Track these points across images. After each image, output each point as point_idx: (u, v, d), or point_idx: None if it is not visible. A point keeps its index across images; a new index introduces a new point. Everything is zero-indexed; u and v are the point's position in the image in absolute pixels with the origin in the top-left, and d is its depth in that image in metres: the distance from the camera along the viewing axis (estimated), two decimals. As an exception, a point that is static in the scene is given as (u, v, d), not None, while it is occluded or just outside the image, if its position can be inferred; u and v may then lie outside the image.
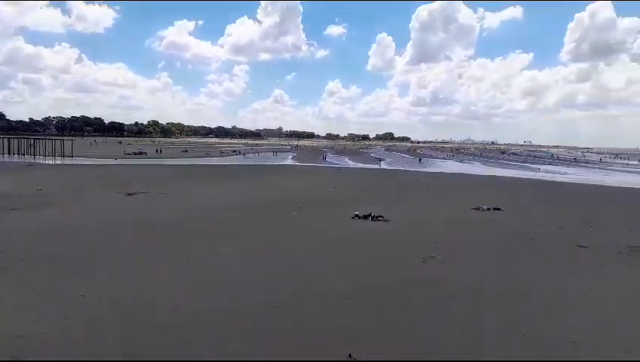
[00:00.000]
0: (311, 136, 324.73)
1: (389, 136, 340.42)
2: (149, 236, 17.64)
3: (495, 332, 9.66)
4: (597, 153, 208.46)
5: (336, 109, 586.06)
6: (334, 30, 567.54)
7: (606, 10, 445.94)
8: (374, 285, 12.46)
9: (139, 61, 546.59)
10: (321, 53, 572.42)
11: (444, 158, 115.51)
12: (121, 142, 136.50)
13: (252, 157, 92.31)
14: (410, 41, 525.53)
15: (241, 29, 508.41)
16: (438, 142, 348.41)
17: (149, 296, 11.14)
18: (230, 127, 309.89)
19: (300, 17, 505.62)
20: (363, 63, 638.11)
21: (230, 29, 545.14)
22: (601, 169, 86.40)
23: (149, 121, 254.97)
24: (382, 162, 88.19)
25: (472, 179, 53.68)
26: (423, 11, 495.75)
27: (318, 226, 20.85)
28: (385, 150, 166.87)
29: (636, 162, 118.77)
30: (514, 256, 16.34)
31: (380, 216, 22.84)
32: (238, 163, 71.73)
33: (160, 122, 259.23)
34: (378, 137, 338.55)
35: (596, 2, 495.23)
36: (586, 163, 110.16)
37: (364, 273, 13.59)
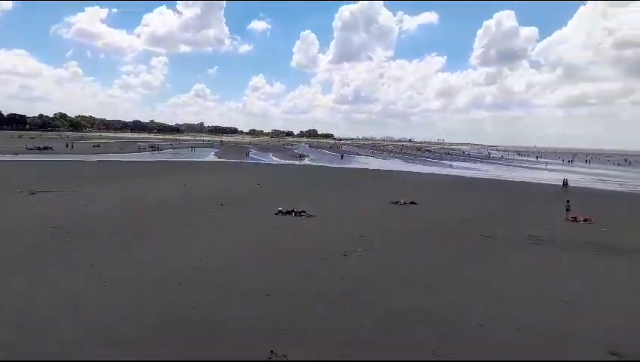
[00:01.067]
0: (234, 131, 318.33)
1: (312, 133, 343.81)
2: (54, 238, 16.22)
3: (408, 320, 10.16)
4: (501, 151, 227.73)
5: (260, 105, 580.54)
6: (258, 25, 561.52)
7: (509, 20, 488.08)
8: (297, 280, 12.54)
9: (43, 48, 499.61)
10: (245, 47, 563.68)
11: (365, 155, 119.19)
12: (21, 136, 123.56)
13: (171, 152, 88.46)
14: (334, 40, 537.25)
15: (160, 19, 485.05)
16: (359, 140, 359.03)
17: (52, 302, 10.25)
18: (148, 121, 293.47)
19: (223, 11, 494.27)
20: (287, 60, 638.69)
21: (148, 18, 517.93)
22: (505, 165, 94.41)
23: (55, 114, 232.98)
24: (306, 158, 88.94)
25: (391, 175, 55.99)
26: (345, 11, 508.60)
27: (241, 223, 20.52)
28: (309, 146, 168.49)
29: (534, 159, 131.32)
30: (429, 247, 17.32)
31: (303, 212, 23.02)
32: (157, 159, 68.33)
33: (68, 115, 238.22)
34: (302, 134, 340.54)
35: (502, 12, 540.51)
36: (492, 160, 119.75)
37: (287, 268, 13.62)
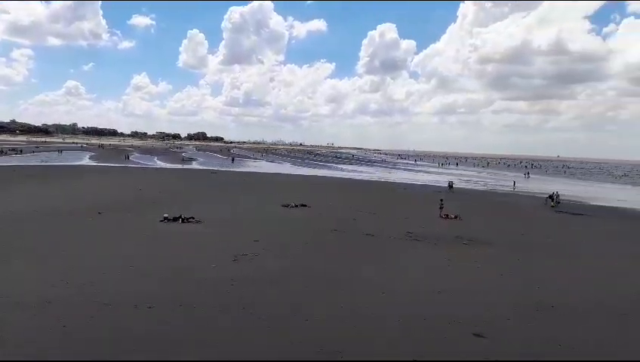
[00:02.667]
0: (114, 133, 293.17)
1: (201, 136, 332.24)
2: None
3: (294, 320, 10.28)
4: (384, 154, 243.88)
5: (143, 106, 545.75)
6: (141, 21, 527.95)
7: (391, 32, 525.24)
8: (184, 289, 11.93)
9: None
10: (126, 44, 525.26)
11: (256, 158, 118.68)
12: None
13: (38, 157, 78.53)
14: (224, 41, 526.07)
15: (23, 6, 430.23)
16: (251, 143, 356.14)
17: None
18: (8, 120, 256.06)
19: (100, 2, 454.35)
20: (174, 59, 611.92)
21: (6, 4, 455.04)
22: (388, 168, 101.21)
23: None
24: (194, 162, 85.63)
25: (282, 178, 56.50)
26: (235, 13, 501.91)
27: (121, 232, 18.97)
28: (197, 150, 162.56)
29: (412, 162, 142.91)
30: (318, 248, 17.76)
31: (191, 218, 22.06)
32: (20, 163, 60.07)
33: None
34: (190, 136, 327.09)
35: (384, 24, 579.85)
36: (377, 162, 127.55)
37: (174, 277, 12.89)
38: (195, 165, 77.31)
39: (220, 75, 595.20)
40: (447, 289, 13.12)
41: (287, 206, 28.37)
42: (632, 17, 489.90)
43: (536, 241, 21.36)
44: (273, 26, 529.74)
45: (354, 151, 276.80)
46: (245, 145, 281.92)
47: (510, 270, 15.90)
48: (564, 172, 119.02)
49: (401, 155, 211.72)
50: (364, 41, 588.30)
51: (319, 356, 8.54)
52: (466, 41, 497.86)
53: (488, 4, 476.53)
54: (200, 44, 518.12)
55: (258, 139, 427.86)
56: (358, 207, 30.06)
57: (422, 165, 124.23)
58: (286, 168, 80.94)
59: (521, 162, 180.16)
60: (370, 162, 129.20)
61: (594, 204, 41.12)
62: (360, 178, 62.16)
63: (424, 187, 51.00)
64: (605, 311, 11.94)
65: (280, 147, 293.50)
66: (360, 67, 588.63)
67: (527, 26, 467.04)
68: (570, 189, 56.29)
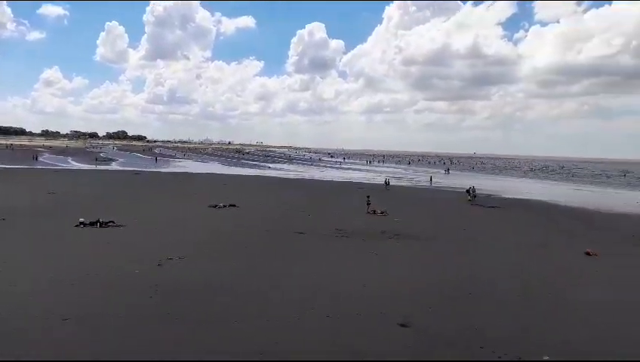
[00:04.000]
0: (21, 133, 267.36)
1: (122, 135, 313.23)
2: None
3: (227, 327, 10.07)
4: (314, 152, 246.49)
5: (55, 102, 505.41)
6: (52, 10, 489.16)
7: (320, 32, 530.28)
8: (102, 299, 11.18)
9: None
10: (35, 35, 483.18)
11: (182, 158, 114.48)
12: None
13: None
14: (146, 35, 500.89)
15: None
16: (176, 142, 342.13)
17: None
18: None
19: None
20: (90, 52, 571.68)
21: None
22: (317, 166, 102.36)
23: None
24: (113, 162, 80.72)
25: (210, 177, 55.03)
26: (158, 6, 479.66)
27: (31, 239, 17.39)
28: (117, 149, 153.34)
29: (341, 160, 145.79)
30: (248, 248, 17.51)
31: (110, 222, 20.75)
32: None
33: None
34: (109, 135, 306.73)
35: (313, 23, 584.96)
36: (306, 161, 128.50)
37: (90, 287, 12.03)
38: (115, 166, 72.89)
39: (141, 70, 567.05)
40: (373, 282, 13.54)
41: (215, 206, 27.67)
42: (538, 25, 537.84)
43: (455, 233, 22.71)
44: (199, 21, 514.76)
45: (284, 150, 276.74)
46: (170, 145, 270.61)
47: (432, 261, 16.76)
48: (480, 168, 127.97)
49: (330, 153, 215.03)
50: (294, 40, 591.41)
51: (247, 358, 8.42)
52: (391, 42, 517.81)
53: (412, 7, 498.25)
54: (119, 37, 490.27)
55: (184, 138, 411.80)
56: (288, 206, 30.07)
57: (350, 163, 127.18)
58: (214, 168, 78.92)
59: (441, 159, 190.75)
60: (300, 160, 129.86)
61: (505, 197, 44.58)
62: (290, 176, 62.25)
63: (353, 184, 52.18)
64: (515, 296, 12.98)
65: (207, 146, 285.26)
66: (289, 65, 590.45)
67: (447, 31, 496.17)
68: (484, 184, 60.56)
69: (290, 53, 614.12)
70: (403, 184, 55.96)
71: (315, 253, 17.18)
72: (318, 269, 14.92)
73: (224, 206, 27.95)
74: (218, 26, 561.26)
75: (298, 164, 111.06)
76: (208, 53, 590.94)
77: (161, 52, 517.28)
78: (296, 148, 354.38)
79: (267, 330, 9.71)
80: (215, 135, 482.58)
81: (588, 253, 18.52)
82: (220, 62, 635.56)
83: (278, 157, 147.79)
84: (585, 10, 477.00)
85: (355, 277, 14.02)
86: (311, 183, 52.20)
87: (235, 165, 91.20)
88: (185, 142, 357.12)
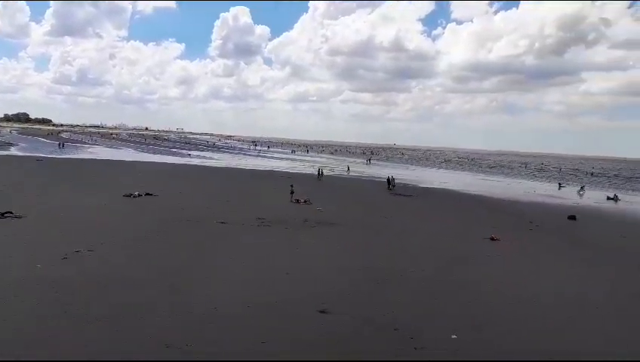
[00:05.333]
0: None
1: (23, 117, 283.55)
2: None
3: (137, 321, 9.59)
4: (238, 140, 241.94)
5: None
6: None
7: (245, 16, 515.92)
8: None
9: None
10: None
11: (93, 144, 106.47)
12: None
13: None
14: (51, 9, 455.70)
15: None
16: (87, 126, 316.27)
17: None
18: None
19: None
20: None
21: None
22: (241, 154, 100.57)
23: None
24: (12, 147, 72.97)
25: (125, 165, 51.83)
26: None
27: None
28: (18, 133, 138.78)
29: (266, 148, 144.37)
30: (165, 239, 16.76)
31: (7, 213, 18.76)
32: None
33: None
34: (8, 118, 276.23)
35: (237, 7, 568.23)
36: (230, 149, 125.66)
37: (-19, 285, 10.80)
38: (14, 151, 65.89)
39: (46, 47, 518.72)
40: (295, 270, 13.64)
41: (129, 196, 26.08)
42: (454, 23, 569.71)
43: (375, 221, 23.55)
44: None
45: (206, 137, 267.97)
46: (79, 129, 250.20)
47: (352, 248, 17.26)
48: (399, 158, 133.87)
49: (255, 142, 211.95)
50: (217, 23, 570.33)
51: (164, 354, 8.07)
52: (317, 31, 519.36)
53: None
54: (20, 9, 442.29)
55: (96, 122, 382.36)
56: (210, 195, 29.24)
57: (275, 152, 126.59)
58: (128, 154, 74.34)
59: (364, 150, 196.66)
60: (223, 148, 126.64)
61: (422, 186, 47.09)
62: (212, 165, 60.50)
63: (277, 173, 52.02)
64: (428, 280, 13.79)
65: (122, 131, 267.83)
66: (212, 50, 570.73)
67: (372, 23, 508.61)
68: (403, 173, 63.50)
69: (214, 36, 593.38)
70: (327, 173, 56.79)
71: (237, 243, 16.89)
72: (240, 259, 14.70)
73: (140, 195, 26.46)
74: (135, 4, 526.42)
75: (221, 151, 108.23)
76: (124, 33, 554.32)
77: (69, 28, 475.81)
78: (219, 136, 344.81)
79: (181, 324, 9.38)
80: (131, 120, 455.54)
81: (492, 238, 20.13)
82: (137, 42, 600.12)
83: (200, 145, 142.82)
84: (495, 12, 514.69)
85: (277, 266, 14.01)
86: (234, 172, 51.18)
87: (153, 152, 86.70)
88: (97, 126, 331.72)
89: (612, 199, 43.21)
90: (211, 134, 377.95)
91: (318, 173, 48.37)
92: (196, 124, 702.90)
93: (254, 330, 9.29)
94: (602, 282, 14.90)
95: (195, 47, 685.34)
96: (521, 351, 9.16)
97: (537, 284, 14.05)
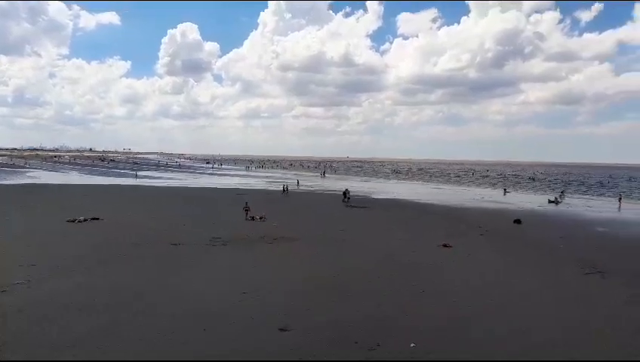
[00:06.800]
0: None
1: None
2: None
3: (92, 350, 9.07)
4: (189, 159, 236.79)
5: None
6: None
7: (193, 32, 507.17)
8: None
9: None
10: None
11: (31, 167, 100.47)
12: None
13: None
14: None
15: None
16: (24, 150, 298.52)
17: None
18: None
19: None
20: None
21: None
22: (193, 173, 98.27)
23: None
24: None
25: (68, 188, 49.21)
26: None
27: None
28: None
29: (218, 166, 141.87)
30: (115, 262, 16.01)
31: None
32: None
33: None
34: None
35: (185, 23, 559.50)
36: (180, 168, 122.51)
37: None
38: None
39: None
40: (253, 288, 13.41)
41: (73, 221, 24.73)
42: (401, 38, 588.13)
43: (332, 234, 23.64)
44: (53, 14, 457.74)
45: (155, 157, 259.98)
46: (16, 153, 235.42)
47: (310, 263, 17.22)
48: (353, 171, 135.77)
49: (206, 160, 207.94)
50: (164, 40, 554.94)
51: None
52: (267, 47, 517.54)
53: (287, 14, 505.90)
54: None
55: (35, 145, 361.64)
56: (161, 217, 28.29)
57: (228, 169, 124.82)
58: (72, 178, 70.75)
59: (318, 163, 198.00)
60: (173, 168, 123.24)
61: (376, 197, 47.93)
62: (163, 185, 58.65)
63: (231, 191, 51.22)
64: (385, 290, 13.96)
65: (64, 153, 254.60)
66: (160, 67, 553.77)
67: (321, 39, 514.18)
68: (357, 185, 64.40)
69: (161, 53, 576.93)
70: (279, 188, 56.58)
71: (191, 264, 16.40)
72: (195, 281, 14.27)
73: (85, 219, 25.16)
74: (76, 21, 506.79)
75: (172, 171, 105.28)
76: (64, 51, 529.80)
77: (3, 47, 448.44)
78: (169, 155, 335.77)
79: (140, 347, 8.95)
80: (73, 141, 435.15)
81: (445, 245, 20.74)
82: (80, 60, 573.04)
83: (149, 165, 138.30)
84: (439, 27, 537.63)
85: (233, 285, 13.72)
86: (186, 191, 49.89)
87: (98, 174, 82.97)
88: (36, 149, 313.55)
89: (553, 202, 45.83)
90: (161, 153, 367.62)
91: (283, 189, 48.81)
92: (145, 143, 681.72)
93: (213, 353, 9.01)
94: (545, 280, 15.69)
95: (142, 64, 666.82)
96: (479, 354, 9.43)
97: (489, 287, 14.58)
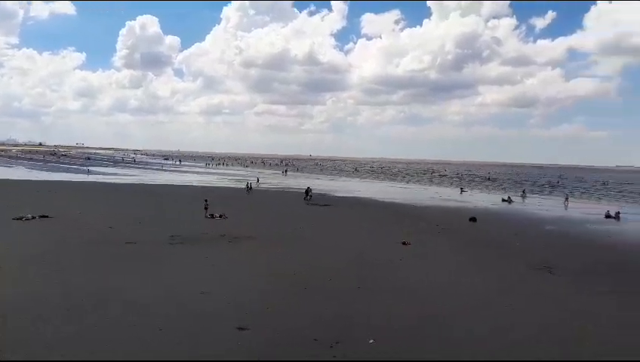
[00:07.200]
0: None
1: None
2: None
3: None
4: (147, 155, 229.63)
5: None
6: None
7: (154, 26, 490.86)
8: None
9: None
10: None
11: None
12: None
13: None
14: None
15: None
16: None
17: None
18: None
19: None
20: None
21: None
22: (151, 169, 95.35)
23: None
24: None
25: (15, 184, 46.57)
26: None
27: None
28: None
29: (178, 163, 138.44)
30: (66, 263, 15.32)
31: None
32: None
33: None
34: None
35: (145, 16, 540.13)
36: (138, 164, 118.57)
37: None
38: None
39: None
40: (211, 288, 13.19)
41: (20, 218, 23.43)
42: (364, 39, 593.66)
43: (293, 232, 23.61)
44: (1, 1, 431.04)
45: (110, 152, 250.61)
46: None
47: (270, 261, 17.10)
48: (315, 169, 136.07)
49: (165, 156, 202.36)
50: (122, 32, 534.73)
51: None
52: (230, 43, 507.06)
53: (251, 10, 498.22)
54: None
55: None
56: (116, 215, 27.27)
57: (188, 166, 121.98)
58: (19, 173, 67.02)
59: (281, 161, 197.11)
60: (131, 164, 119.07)
61: (338, 195, 48.22)
62: (119, 182, 56.55)
63: (191, 188, 50.15)
64: (345, 287, 14.08)
65: (11, 147, 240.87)
66: (117, 60, 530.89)
67: (286, 37, 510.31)
68: (320, 183, 64.57)
69: (119, 46, 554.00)
70: (241, 186, 55.94)
71: (147, 264, 15.91)
72: (151, 280, 13.87)
73: (33, 217, 23.90)
74: (27, 9, 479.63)
75: (129, 167, 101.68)
76: (14, 40, 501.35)
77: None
78: (126, 151, 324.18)
79: (93, 349, 8.59)
80: (22, 135, 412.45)
81: (404, 243, 21.15)
82: (30, 50, 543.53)
83: (105, 161, 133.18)
84: (402, 29, 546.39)
85: (192, 285, 13.43)
86: (143, 188, 48.32)
87: (49, 170, 79.01)
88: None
89: (506, 201, 47.69)
90: (117, 149, 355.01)
91: (248, 187, 48.25)
92: (100, 138, 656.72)
93: (169, 354, 8.78)
94: (498, 275, 16.33)
95: (98, 56, 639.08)
96: (435, 351, 9.67)
97: (445, 283, 15.01)
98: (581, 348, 10.09)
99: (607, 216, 36.24)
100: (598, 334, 10.93)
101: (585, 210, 43.15)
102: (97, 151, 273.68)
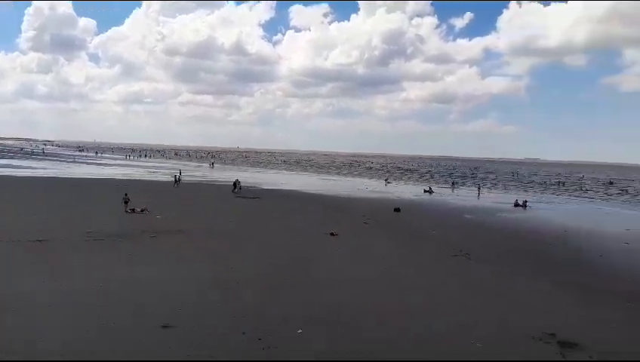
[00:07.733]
0: None
1: None
2: None
3: None
4: (58, 145, 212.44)
5: None
6: None
7: (64, 6, 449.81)
8: None
9: None
10: None
11: None
12: None
13: None
14: None
15: None
16: None
17: None
18: None
19: None
20: None
21: None
22: (64, 161, 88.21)
23: None
24: None
25: None
26: None
27: None
28: None
29: (93, 154, 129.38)
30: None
31: None
32: None
33: None
34: None
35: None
36: (48, 155, 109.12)
37: None
38: None
39: None
40: (133, 285, 12.58)
41: None
42: (293, 30, 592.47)
43: (220, 226, 23.12)
44: None
45: (17, 142, 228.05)
46: None
47: (196, 256, 16.65)
48: (243, 161, 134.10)
49: (80, 147, 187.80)
50: (28, 11, 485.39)
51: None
52: (152, 28, 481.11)
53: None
54: None
55: None
56: (23, 210, 24.91)
57: (106, 158, 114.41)
58: None
59: (207, 153, 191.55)
60: (40, 155, 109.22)
61: (266, 188, 47.95)
62: (27, 175, 51.71)
63: (110, 181, 47.19)
64: (274, 279, 14.10)
65: None
66: (23, 42, 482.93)
67: (211, 24, 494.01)
68: (248, 176, 63.71)
69: (24, 26, 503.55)
70: (166, 179, 53.65)
71: (59, 263, 14.74)
72: (64, 280, 12.87)
73: None
74: None
75: (38, 159, 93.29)
76: None
77: None
78: (32, 140, 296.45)
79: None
80: None
81: (332, 234, 21.58)
82: None
83: (8, 151, 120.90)
84: (330, 22, 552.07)
85: (110, 284, 12.67)
86: (55, 182, 44.61)
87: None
88: None
89: (428, 192, 50.37)
90: (23, 139, 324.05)
91: (175, 180, 46.12)
92: (3, 127, 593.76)
93: (86, 356, 8.26)
94: (421, 261, 17.28)
95: (0, 37, 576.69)
96: (363, 339, 10.02)
97: (370, 272, 15.57)
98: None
99: (516, 204, 39.72)
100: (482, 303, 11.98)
101: (496, 200, 46.81)
102: (2, 140, 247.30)
